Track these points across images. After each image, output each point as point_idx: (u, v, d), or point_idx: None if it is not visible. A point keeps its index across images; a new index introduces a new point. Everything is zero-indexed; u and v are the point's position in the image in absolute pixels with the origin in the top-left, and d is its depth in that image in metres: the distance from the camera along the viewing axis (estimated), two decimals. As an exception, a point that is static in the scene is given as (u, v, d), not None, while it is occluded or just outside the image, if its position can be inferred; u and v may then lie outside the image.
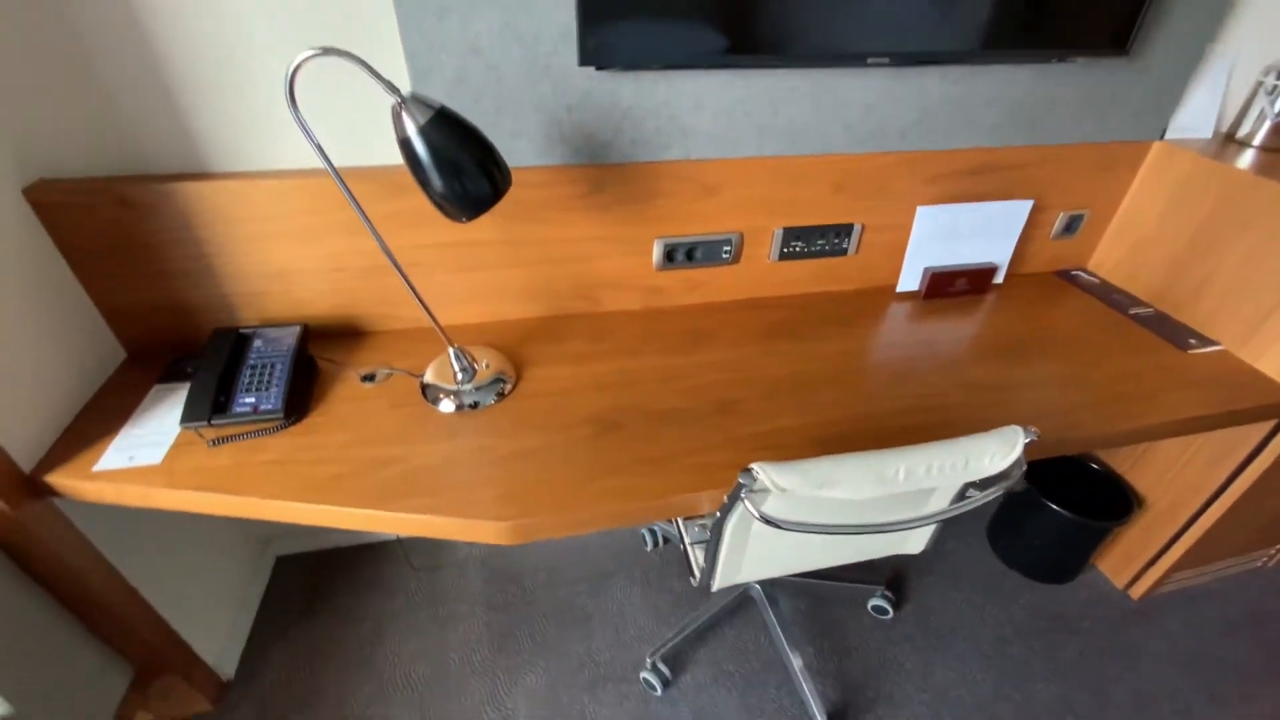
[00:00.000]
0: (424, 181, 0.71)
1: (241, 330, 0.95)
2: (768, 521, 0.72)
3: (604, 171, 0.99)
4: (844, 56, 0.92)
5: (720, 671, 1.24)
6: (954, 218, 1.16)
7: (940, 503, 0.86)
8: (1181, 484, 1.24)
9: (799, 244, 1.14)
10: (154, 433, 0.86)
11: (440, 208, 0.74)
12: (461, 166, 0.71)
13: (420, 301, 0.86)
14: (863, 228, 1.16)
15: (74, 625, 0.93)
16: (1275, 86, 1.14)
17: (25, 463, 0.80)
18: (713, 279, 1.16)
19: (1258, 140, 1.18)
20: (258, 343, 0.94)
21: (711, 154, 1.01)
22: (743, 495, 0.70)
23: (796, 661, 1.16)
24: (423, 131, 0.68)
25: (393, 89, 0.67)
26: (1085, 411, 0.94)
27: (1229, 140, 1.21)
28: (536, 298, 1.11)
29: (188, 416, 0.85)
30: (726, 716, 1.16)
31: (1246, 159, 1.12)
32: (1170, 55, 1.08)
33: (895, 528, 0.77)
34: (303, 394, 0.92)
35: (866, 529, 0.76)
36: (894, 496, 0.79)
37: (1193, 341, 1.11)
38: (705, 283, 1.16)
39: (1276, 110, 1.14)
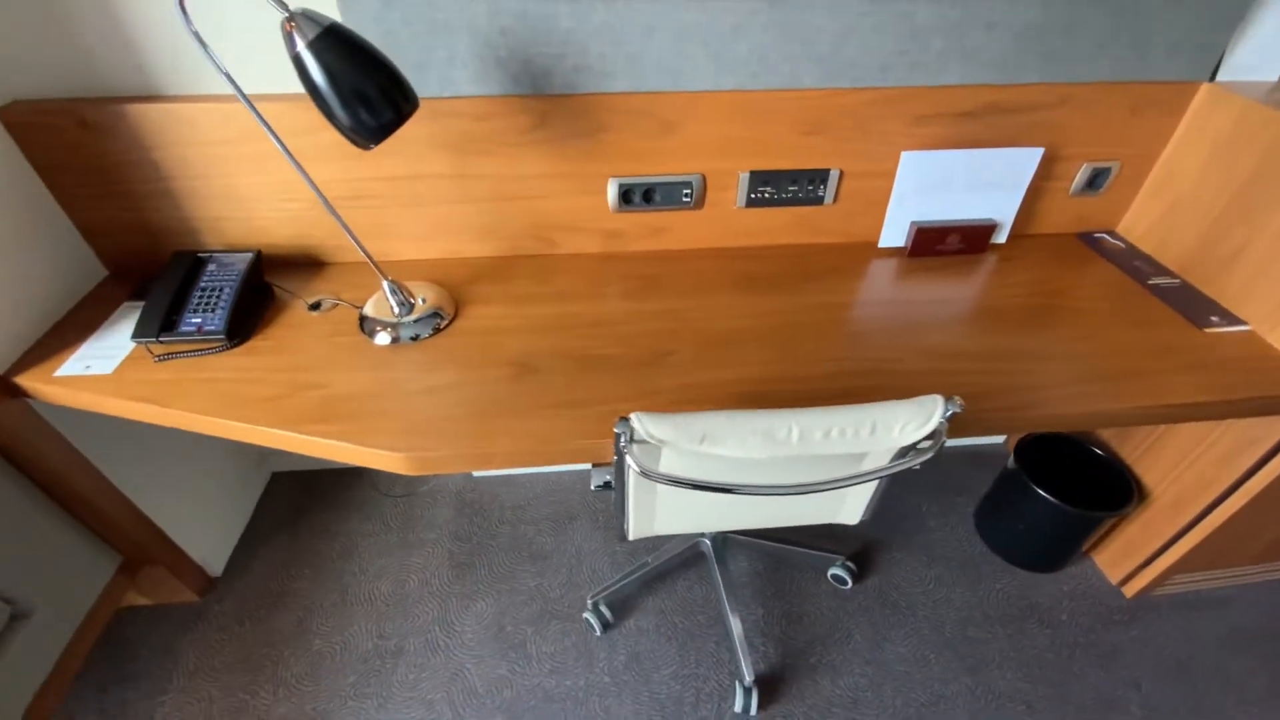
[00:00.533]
0: (321, 104, 0.70)
1: (199, 254, 0.99)
2: (645, 475, 0.69)
3: (549, 103, 0.94)
4: (806, -27, 0.82)
5: (665, 621, 1.25)
6: (947, 166, 1.04)
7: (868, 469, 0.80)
8: (1190, 478, 1.11)
9: (768, 190, 1.06)
10: (112, 346, 0.92)
11: (342, 131, 0.73)
12: (356, 86, 0.69)
13: (346, 228, 0.87)
14: (841, 174, 1.06)
15: (63, 516, 1.04)
16: (1373, 14, 0.93)
17: (0, 364, 0.88)
18: (676, 224, 1.11)
19: None
20: (211, 266, 0.98)
21: (664, 86, 0.94)
22: (623, 445, 0.68)
23: (736, 624, 1.14)
24: (312, 48, 0.67)
25: (280, 4, 0.66)
26: (1056, 389, 0.85)
27: (1308, 82, 1.01)
28: (491, 236, 1.09)
29: (138, 332, 0.90)
30: (661, 664, 1.18)
31: None
32: None
33: (785, 491, 0.72)
34: (249, 318, 0.96)
35: (757, 490, 0.72)
36: (804, 459, 0.75)
37: (1215, 319, 0.97)
38: (667, 228, 1.11)
39: (1371, 44, 0.94)
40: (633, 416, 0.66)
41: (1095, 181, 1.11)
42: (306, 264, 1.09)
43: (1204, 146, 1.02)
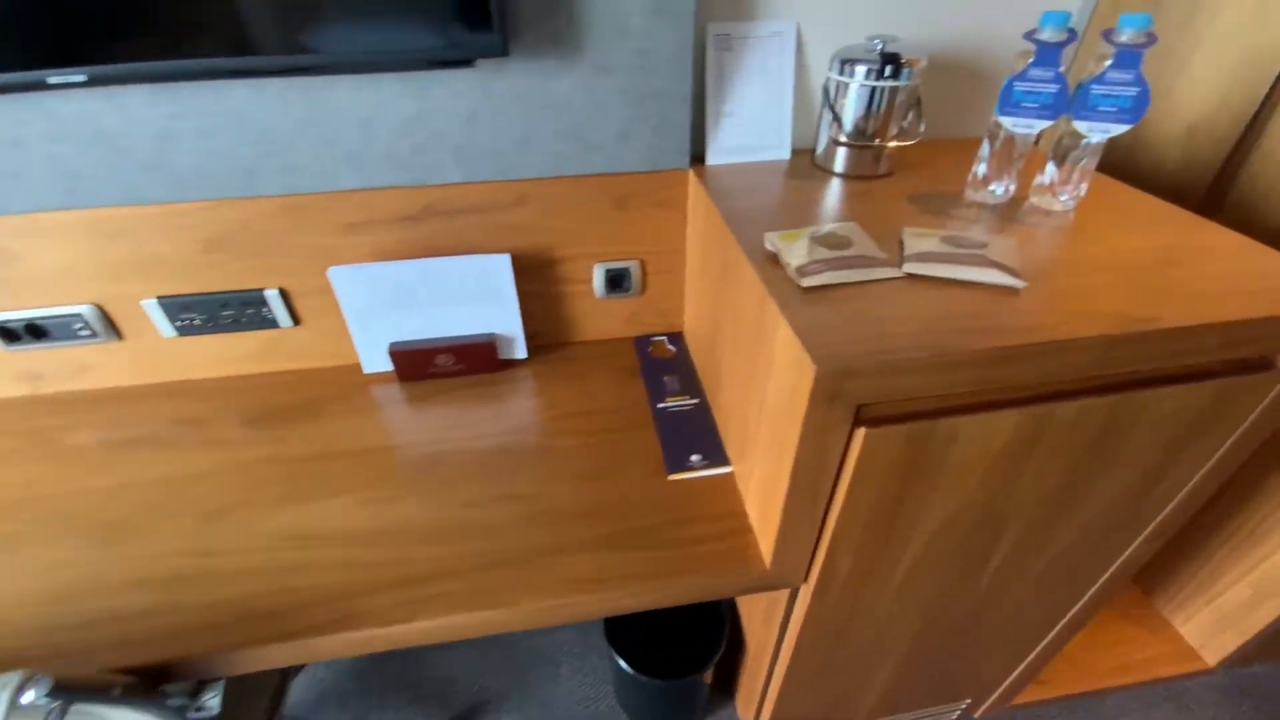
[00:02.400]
0: None
1: None
2: None
3: None
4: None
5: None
6: (399, 279, 0.85)
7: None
8: (759, 631, 0.92)
9: (195, 316, 0.86)
10: None
11: None
12: None
13: None
14: (284, 293, 0.87)
15: None
16: (839, 85, 0.78)
17: None
18: (100, 360, 0.89)
19: (838, 165, 0.83)
20: None
21: (-40, 210, 0.74)
22: None
23: None
24: None
25: None
26: (395, 592, 0.64)
27: (814, 164, 0.86)
28: None
29: None
30: None
31: (831, 192, 0.78)
32: (624, 44, 0.73)
33: None
34: None
35: None
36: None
37: (695, 459, 0.79)
38: (93, 365, 0.90)
39: (848, 123, 0.79)
40: None
41: (621, 282, 0.94)
42: None
43: (697, 240, 0.86)
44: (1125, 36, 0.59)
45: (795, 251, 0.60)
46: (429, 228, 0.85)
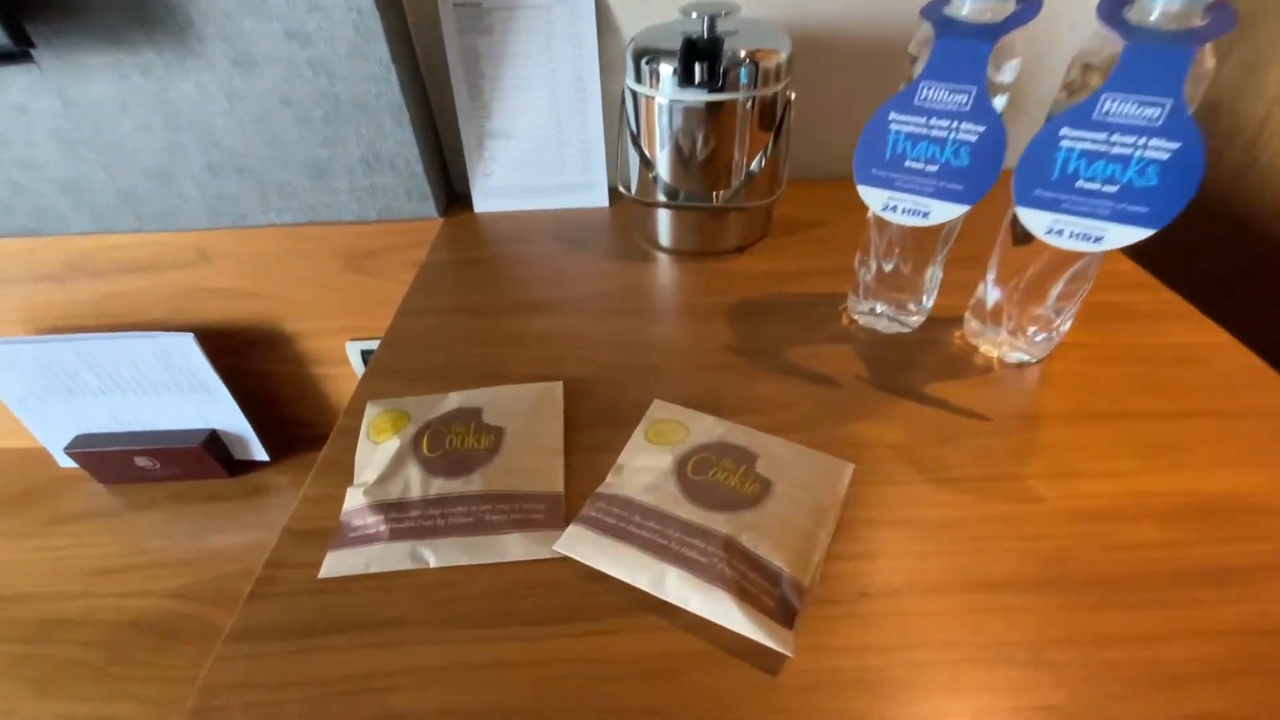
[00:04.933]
0: None
1: None
2: None
3: None
4: None
5: None
6: (59, 360, 0.61)
7: None
8: None
9: None
10: None
11: None
12: None
13: None
14: (-67, 365, 0.65)
15: None
16: (641, 99, 0.44)
17: None
18: None
19: (661, 235, 0.49)
20: None
21: None
22: None
23: None
24: None
25: None
26: None
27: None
28: None
29: None
30: None
31: (617, 287, 0.47)
32: (266, 26, 0.43)
33: None
34: None
35: None
36: None
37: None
38: None
39: (660, 166, 0.45)
40: None
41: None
42: None
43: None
44: (1155, 13, 0.24)
45: (368, 470, 0.29)
46: (90, 291, 0.59)
